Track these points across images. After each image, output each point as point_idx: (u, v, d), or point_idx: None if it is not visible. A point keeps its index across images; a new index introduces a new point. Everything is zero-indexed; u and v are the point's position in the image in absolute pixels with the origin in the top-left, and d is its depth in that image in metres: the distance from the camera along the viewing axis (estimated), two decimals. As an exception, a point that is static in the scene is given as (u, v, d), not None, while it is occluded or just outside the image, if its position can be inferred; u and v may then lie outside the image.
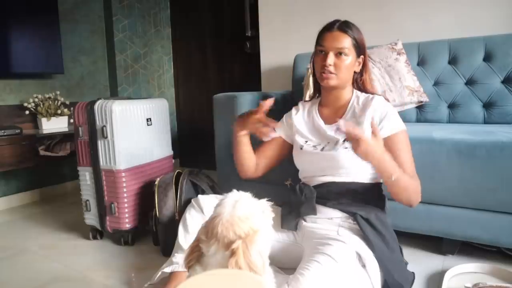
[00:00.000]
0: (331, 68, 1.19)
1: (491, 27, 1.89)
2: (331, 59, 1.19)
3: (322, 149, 1.23)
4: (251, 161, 1.35)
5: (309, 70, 1.19)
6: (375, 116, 1.19)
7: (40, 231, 1.98)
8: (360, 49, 1.23)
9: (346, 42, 1.19)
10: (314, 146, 1.26)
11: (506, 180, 1.25)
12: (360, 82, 1.29)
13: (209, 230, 0.83)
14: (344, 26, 1.21)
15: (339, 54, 1.19)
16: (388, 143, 1.15)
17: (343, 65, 1.19)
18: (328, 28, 1.22)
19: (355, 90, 1.29)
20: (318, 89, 1.36)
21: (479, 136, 1.32)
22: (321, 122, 1.29)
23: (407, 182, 1.12)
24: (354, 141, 1.06)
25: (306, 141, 1.29)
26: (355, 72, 1.26)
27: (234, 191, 0.89)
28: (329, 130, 1.25)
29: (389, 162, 1.09)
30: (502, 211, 1.30)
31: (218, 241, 0.81)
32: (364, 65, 1.27)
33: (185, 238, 1.27)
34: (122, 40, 3.07)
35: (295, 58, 2.26)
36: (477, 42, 1.82)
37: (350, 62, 1.21)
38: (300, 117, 1.36)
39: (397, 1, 2.15)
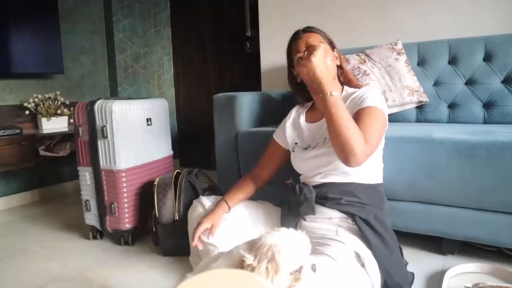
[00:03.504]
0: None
1: (491, 27, 1.89)
2: None
3: (313, 149, 1.25)
4: (248, 195, 1.37)
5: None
6: (356, 97, 1.20)
7: (40, 231, 1.98)
8: (331, 43, 1.29)
9: (318, 38, 1.24)
10: (305, 149, 1.28)
11: (506, 180, 1.25)
12: (342, 76, 1.31)
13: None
14: (308, 28, 1.28)
15: None
16: (357, 115, 1.14)
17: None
18: (295, 37, 1.28)
19: (345, 87, 1.31)
20: (307, 97, 1.37)
21: (479, 136, 1.32)
22: (304, 123, 1.32)
23: (347, 118, 1.03)
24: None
25: (296, 143, 1.32)
26: (337, 66, 1.29)
27: (291, 229, 0.87)
28: (311, 128, 1.29)
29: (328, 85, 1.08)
30: (502, 211, 1.30)
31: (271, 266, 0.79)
32: (340, 58, 1.31)
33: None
34: (122, 40, 3.07)
35: (295, 58, 2.26)
36: (477, 42, 1.82)
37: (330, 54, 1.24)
38: (290, 122, 1.39)
39: (397, 1, 2.14)
